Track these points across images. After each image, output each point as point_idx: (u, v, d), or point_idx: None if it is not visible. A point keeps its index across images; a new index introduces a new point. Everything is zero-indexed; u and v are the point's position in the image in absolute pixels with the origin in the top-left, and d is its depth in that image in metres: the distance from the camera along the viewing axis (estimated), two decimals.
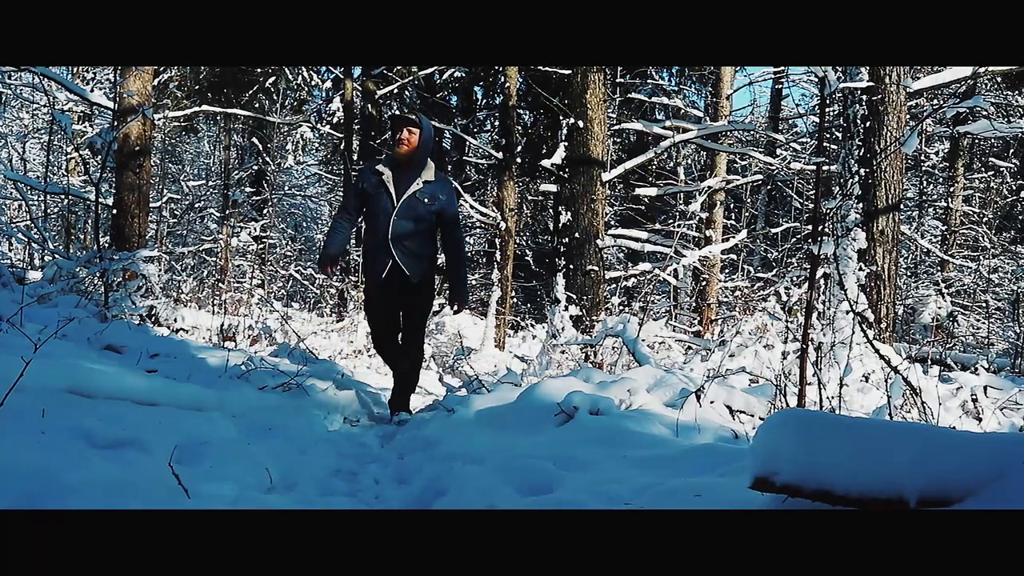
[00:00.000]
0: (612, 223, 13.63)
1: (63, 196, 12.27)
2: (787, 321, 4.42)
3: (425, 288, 4.33)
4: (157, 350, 4.64)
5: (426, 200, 4.18)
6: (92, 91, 10.00)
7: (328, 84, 15.27)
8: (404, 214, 4.16)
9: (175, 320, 7.03)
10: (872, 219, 7.02)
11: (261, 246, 15.06)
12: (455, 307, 4.35)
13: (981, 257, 14.55)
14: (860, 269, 4.64)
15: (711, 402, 3.56)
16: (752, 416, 3.61)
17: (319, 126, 14.81)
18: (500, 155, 10.81)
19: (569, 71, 9.21)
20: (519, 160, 12.69)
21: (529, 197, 16.00)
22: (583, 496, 2.05)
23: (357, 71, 13.33)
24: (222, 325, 7.22)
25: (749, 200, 17.30)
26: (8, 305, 4.58)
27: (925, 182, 17.18)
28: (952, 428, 3.47)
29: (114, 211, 7.93)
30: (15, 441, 1.93)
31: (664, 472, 2.37)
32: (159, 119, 12.22)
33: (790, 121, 16.23)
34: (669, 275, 9.27)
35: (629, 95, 12.50)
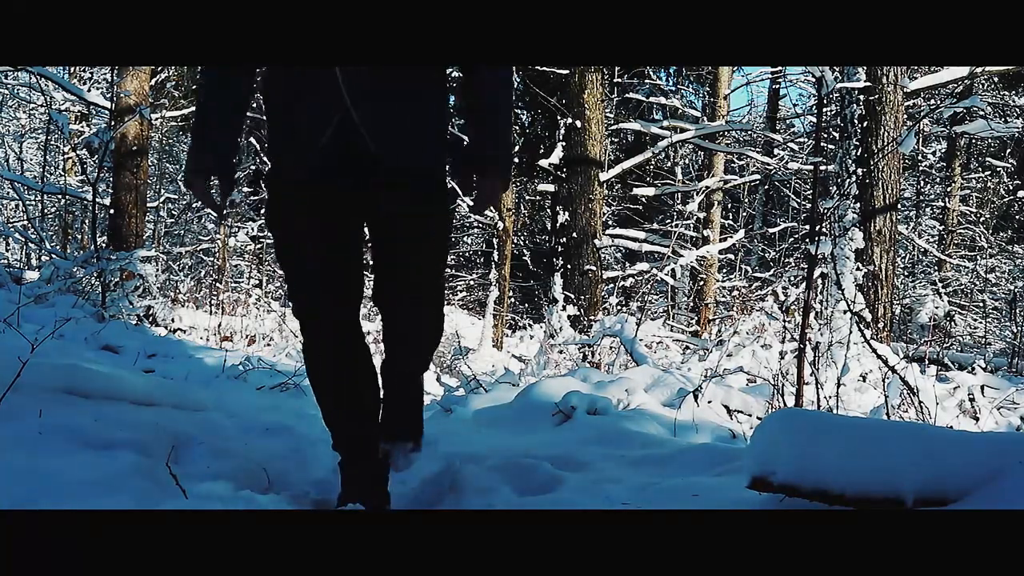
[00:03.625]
0: (610, 223, 13.63)
1: (60, 196, 12.26)
2: (784, 321, 4.41)
3: (428, 192, 1.90)
4: (154, 350, 4.64)
5: None
6: (89, 91, 9.98)
7: None
8: None
9: (172, 320, 7.02)
10: (869, 219, 7.02)
11: (259, 246, 15.04)
12: (479, 187, 1.95)
13: (978, 257, 14.57)
14: (857, 269, 4.64)
15: (709, 402, 3.57)
16: (750, 416, 3.62)
17: None
18: None
19: (567, 71, 9.21)
20: (517, 160, 12.67)
21: (527, 197, 16.00)
22: (581, 496, 2.05)
23: None
24: (219, 325, 7.22)
25: (747, 200, 17.31)
26: (5, 305, 4.57)
27: (922, 182, 17.20)
28: (949, 427, 3.48)
29: (111, 211, 7.92)
30: (12, 441, 1.93)
31: (662, 472, 2.37)
32: (156, 119, 12.20)
33: (787, 121, 16.23)
34: (667, 275, 9.27)
35: (627, 95, 12.49)
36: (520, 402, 3.52)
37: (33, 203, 12.60)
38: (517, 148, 13.25)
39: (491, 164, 1.91)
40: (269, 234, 2.11)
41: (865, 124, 7.05)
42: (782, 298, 4.89)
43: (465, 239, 17.84)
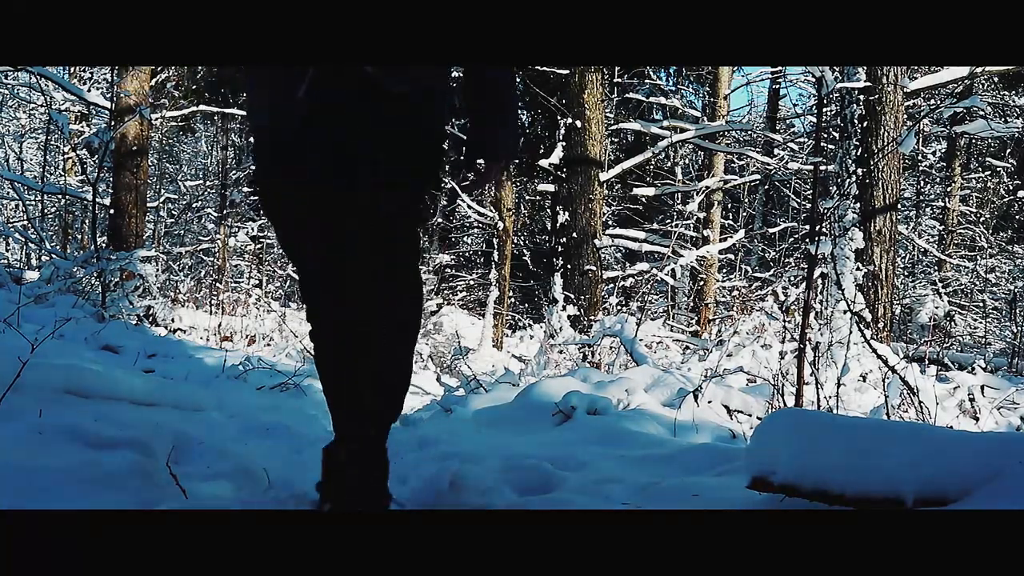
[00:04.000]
0: (610, 223, 13.63)
1: (60, 196, 12.26)
2: (785, 321, 4.41)
3: (416, 136, 1.81)
4: (154, 350, 4.64)
5: None
6: (89, 91, 9.99)
7: None
8: None
9: (172, 320, 7.03)
10: (869, 219, 7.02)
11: (259, 246, 15.05)
12: (483, 168, 1.95)
13: (978, 257, 14.58)
14: (857, 269, 4.64)
15: (709, 402, 3.57)
16: (750, 416, 3.62)
17: None
18: None
19: (567, 71, 9.21)
20: (517, 160, 12.65)
21: (527, 197, 16.01)
22: (581, 496, 2.05)
23: None
24: (219, 325, 7.22)
25: (747, 200, 17.32)
26: (5, 305, 4.57)
27: (922, 182, 17.21)
28: (949, 427, 3.48)
29: (111, 211, 7.93)
30: (12, 441, 1.93)
31: (662, 472, 2.37)
32: (156, 119, 12.20)
33: (787, 121, 16.23)
34: (667, 275, 9.27)
35: (627, 95, 12.50)
36: (520, 402, 3.52)
37: (33, 203, 12.61)
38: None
39: (492, 164, 1.93)
40: (271, 232, 2.13)
41: (865, 124, 7.05)
42: (782, 298, 4.89)
43: (465, 239, 17.84)
